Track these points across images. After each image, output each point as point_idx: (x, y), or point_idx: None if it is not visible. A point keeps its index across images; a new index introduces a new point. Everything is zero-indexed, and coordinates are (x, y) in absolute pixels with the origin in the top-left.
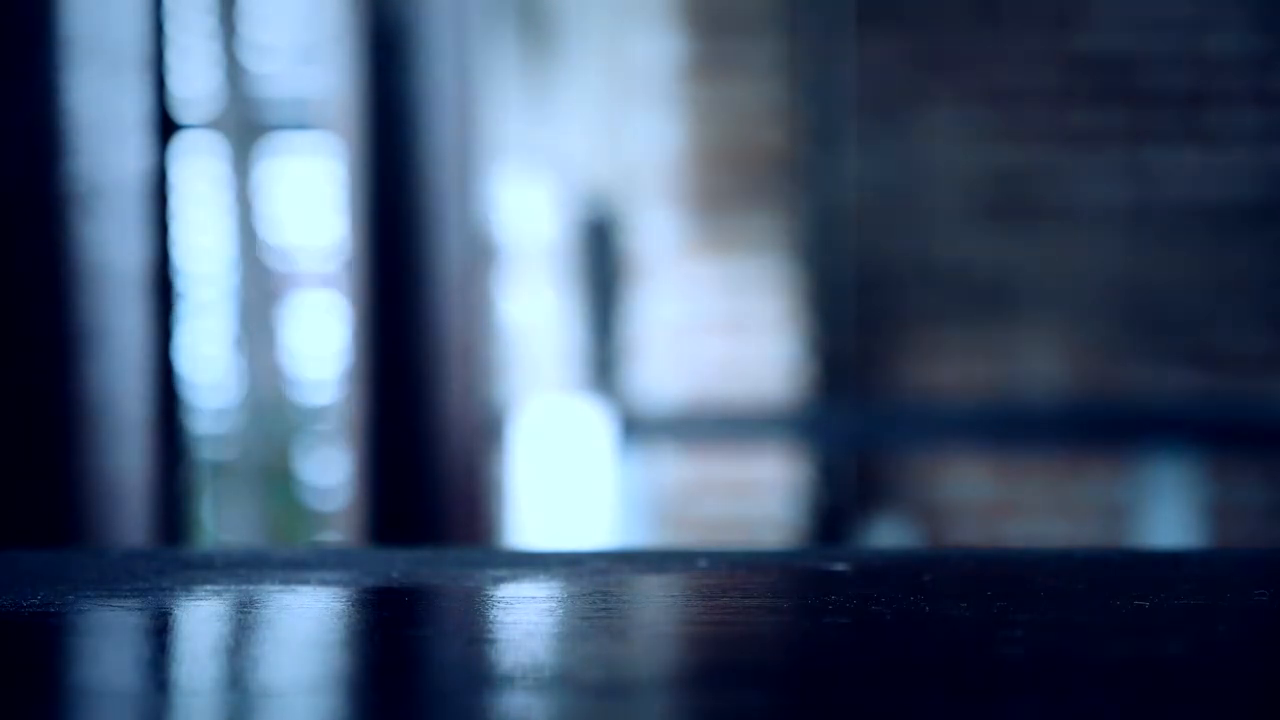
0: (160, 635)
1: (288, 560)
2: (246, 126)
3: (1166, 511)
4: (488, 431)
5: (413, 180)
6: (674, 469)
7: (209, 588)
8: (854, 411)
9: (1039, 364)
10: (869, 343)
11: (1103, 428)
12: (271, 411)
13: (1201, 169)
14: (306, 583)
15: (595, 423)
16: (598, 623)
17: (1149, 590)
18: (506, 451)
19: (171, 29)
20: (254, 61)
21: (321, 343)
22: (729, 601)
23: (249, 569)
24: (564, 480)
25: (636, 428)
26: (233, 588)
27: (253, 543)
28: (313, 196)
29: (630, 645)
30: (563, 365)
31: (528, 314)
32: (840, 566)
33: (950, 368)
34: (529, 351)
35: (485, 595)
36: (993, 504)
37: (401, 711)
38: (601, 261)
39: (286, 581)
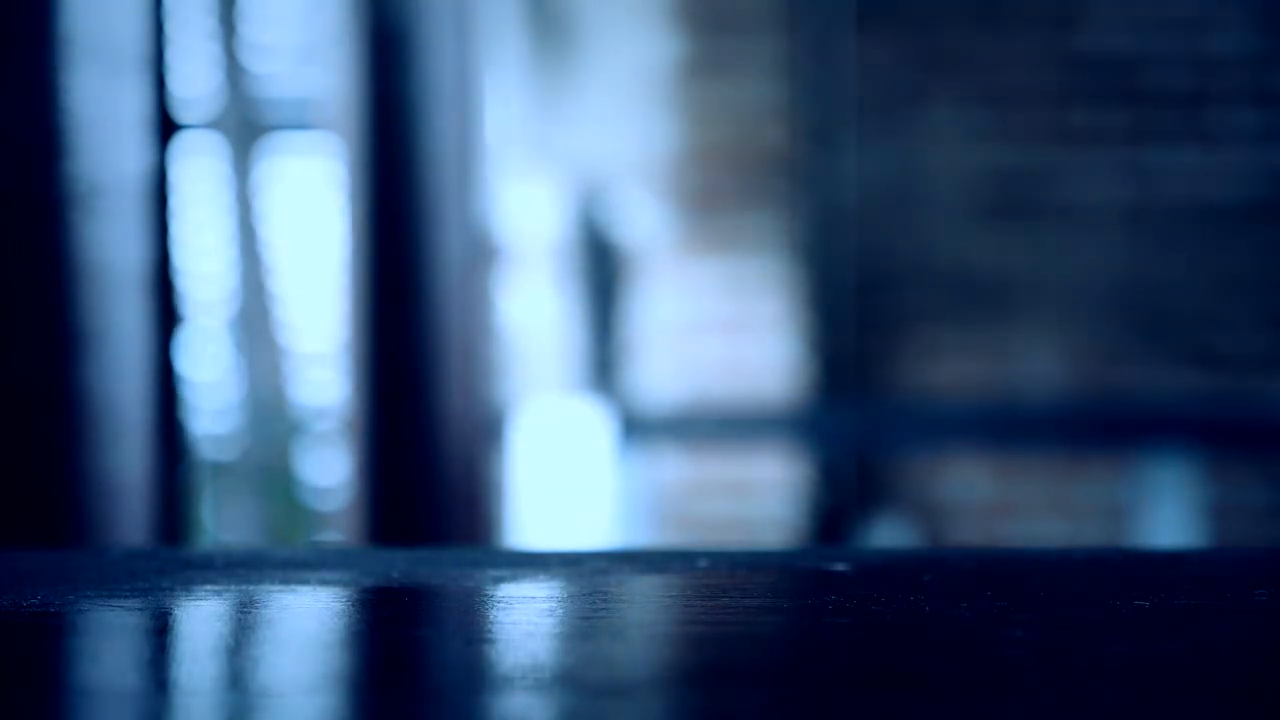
0: (160, 635)
1: (288, 560)
2: (246, 126)
3: (1166, 511)
4: (488, 431)
5: (413, 180)
6: (674, 469)
7: (209, 588)
8: (854, 411)
9: (1038, 364)
10: (869, 343)
11: (1103, 428)
12: (271, 411)
13: (1201, 169)
14: (306, 583)
15: (595, 423)
16: (598, 623)
17: (1149, 590)
18: (506, 451)
19: (171, 29)
20: (254, 61)
21: (321, 342)
22: (729, 601)
23: (249, 569)
24: (564, 480)
25: (636, 428)
26: (233, 588)
27: (253, 543)
28: (313, 196)
29: (630, 645)
30: (563, 365)
31: (528, 314)
32: (840, 566)
33: (950, 368)
34: (529, 351)
35: (485, 595)
36: (993, 504)
37: (401, 711)
38: (601, 261)
39: (286, 581)
